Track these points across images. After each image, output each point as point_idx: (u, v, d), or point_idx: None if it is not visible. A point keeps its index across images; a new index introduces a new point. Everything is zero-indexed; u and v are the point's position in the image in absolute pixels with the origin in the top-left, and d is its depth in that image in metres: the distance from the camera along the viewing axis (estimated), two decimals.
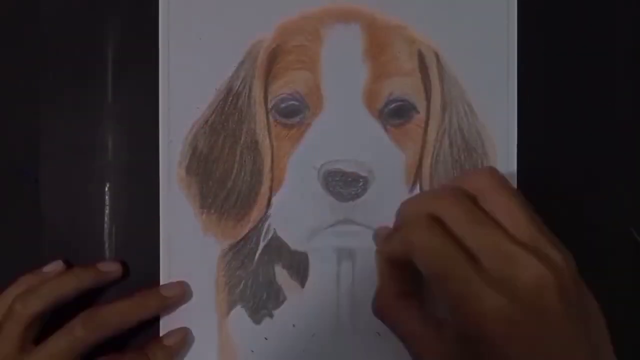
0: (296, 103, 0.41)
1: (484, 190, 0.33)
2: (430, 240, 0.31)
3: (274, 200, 0.41)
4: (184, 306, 0.41)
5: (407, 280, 0.34)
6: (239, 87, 0.41)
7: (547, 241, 0.31)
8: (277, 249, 0.41)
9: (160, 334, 0.40)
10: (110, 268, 0.40)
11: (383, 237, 0.36)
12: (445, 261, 0.31)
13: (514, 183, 0.41)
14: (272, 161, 0.41)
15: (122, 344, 0.41)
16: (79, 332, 0.37)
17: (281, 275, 0.41)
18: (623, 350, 0.31)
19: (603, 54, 0.42)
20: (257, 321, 0.41)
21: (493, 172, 0.33)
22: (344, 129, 0.41)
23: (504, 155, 0.41)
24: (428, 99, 0.42)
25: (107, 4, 0.41)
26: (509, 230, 0.31)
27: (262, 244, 0.41)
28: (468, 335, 0.30)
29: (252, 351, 0.41)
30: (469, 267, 0.30)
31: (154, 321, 0.40)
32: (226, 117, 0.41)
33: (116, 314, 0.38)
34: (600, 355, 0.31)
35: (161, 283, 0.41)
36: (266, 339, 0.41)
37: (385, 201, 0.41)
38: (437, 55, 0.41)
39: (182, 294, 0.40)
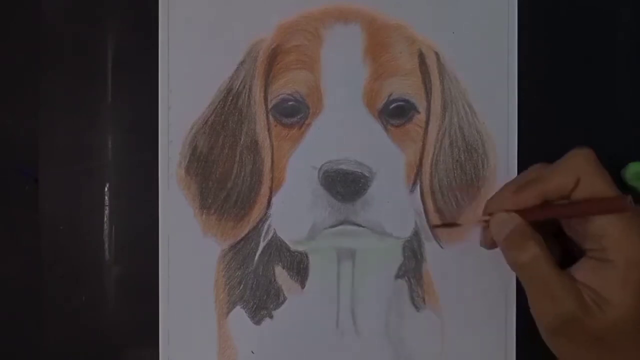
0: (296, 103, 0.41)
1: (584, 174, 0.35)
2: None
3: (274, 200, 0.41)
4: (184, 306, 0.41)
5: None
6: (239, 87, 0.41)
7: None
8: (277, 249, 0.41)
9: (160, 335, 0.40)
10: None
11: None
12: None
13: None
14: (272, 161, 0.41)
15: (122, 345, 0.41)
16: None
17: (281, 275, 0.41)
18: None
19: (603, 53, 0.42)
20: (257, 321, 0.41)
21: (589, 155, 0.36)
22: (344, 129, 0.41)
23: (504, 155, 0.41)
24: (428, 99, 0.41)
25: (107, 4, 0.41)
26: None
27: (262, 244, 0.41)
28: (616, 267, 0.32)
29: (252, 352, 0.41)
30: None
31: (153, 321, 0.40)
32: (226, 117, 0.41)
33: None
34: None
35: (160, 284, 0.40)
36: (266, 339, 0.41)
37: (386, 201, 0.41)
38: (437, 55, 0.41)
39: None
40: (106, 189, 0.41)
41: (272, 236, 0.41)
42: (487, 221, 0.36)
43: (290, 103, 0.41)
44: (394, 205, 0.41)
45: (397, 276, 0.41)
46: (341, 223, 0.40)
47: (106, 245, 0.41)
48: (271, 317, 0.41)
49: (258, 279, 0.41)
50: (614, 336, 0.33)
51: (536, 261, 0.34)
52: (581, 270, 0.34)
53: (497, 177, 0.41)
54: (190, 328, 0.41)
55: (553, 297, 0.33)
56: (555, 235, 0.37)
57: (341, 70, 0.41)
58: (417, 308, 0.41)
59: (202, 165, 0.41)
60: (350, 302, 0.41)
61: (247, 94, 0.41)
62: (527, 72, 0.41)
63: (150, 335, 0.40)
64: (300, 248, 0.41)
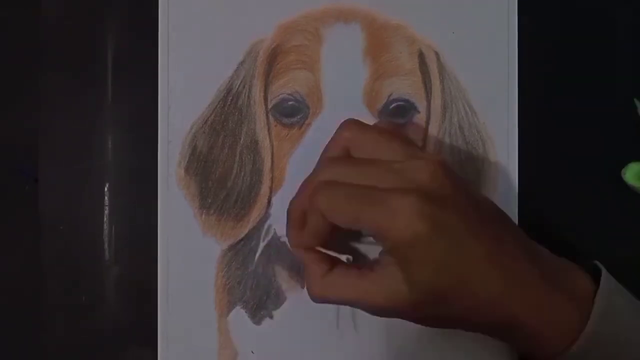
0: (296, 103, 0.41)
1: (352, 141, 0.36)
2: (332, 195, 0.33)
3: (274, 200, 0.41)
4: (184, 306, 0.41)
5: (326, 258, 0.36)
6: (238, 87, 0.41)
7: (419, 151, 0.35)
8: (277, 249, 0.41)
9: (159, 335, 0.40)
10: None
11: (295, 227, 0.36)
12: (352, 200, 0.33)
13: (514, 183, 0.41)
14: (272, 161, 0.41)
15: (122, 345, 0.41)
16: None
17: (281, 275, 0.41)
18: None
19: (603, 53, 0.42)
20: (257, 321, 0.41)
21: (351, 124, 0.36)
22: None
23: (504, 155, 0.41)
24: (428, 98, 0.41)
25: (107, 4, 0.41)
26: (386, 157, 0.34)
27: (262, 244, 0.41)
28: (400, 251, 0.32)
29: (252, 352, 0.41)
30: (372, 192, 0.33)
31: (153, 322, 0.40)
32: (226, 117, 0.41)
33: None
34: (518, 248, 0.34)
35: (159, 284, 0.40)
36: (266, 339, 0.41)
37: None
38: (437, 55, 0.41)
39: None
40: (106, 189, 0.41)
41: (272, 236, 0.41)
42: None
43: (290, 103, 0.41)
44: None
45: None
46: None
47: (106, 245, 0.41)
48: (271, 317, 0.41)
49: (258, 279, 0.41)
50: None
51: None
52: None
53: (497, 177, 0.41)
54: (190, 328, 0.41)
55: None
56: None
57: (341, 70, 0.41)
58: None
59: (201, 165, 0.41)
60: None
61: (247, 94, 0.41)
62: (527, 72, 0.41)
63: (150, 336, 0.40)
64: None
